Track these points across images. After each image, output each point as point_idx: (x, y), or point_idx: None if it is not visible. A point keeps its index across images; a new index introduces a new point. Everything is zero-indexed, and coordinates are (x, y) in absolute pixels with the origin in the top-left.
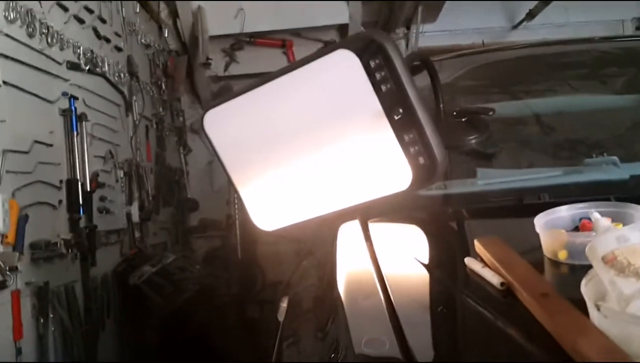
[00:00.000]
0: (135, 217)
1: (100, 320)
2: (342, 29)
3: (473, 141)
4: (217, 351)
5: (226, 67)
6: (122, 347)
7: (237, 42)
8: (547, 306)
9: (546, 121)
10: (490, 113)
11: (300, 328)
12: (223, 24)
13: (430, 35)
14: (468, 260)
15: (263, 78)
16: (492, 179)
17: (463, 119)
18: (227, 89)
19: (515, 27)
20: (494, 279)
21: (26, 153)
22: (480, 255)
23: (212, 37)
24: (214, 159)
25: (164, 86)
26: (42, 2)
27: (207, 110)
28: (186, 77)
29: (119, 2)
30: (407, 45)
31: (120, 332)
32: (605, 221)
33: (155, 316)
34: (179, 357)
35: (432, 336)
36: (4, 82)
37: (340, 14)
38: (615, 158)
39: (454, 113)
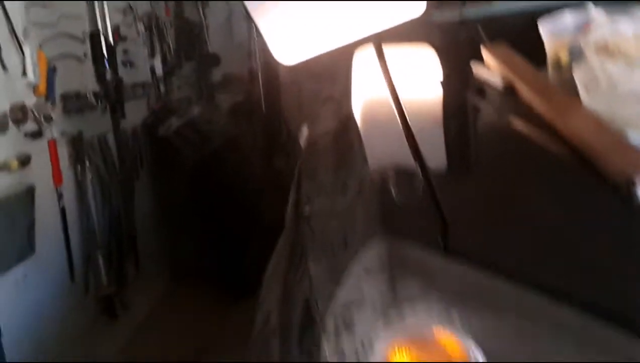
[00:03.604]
0: (159, 70)
1: (135, 170)
2: None
3: None
4: (245, 198)
5: None
6: (156, 195)
7: None
8: (544, 96)
9: None
10: None
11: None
12: None
13: None
14: (475, 67)
15: None
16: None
17: None
18: None
19: None
20: (497, 80)
21: (48, 5)
22: (488, 61)
23: None
24: (232, 12)
25: None
26: None
27: None
28: None
29: None
30: None
31: (154, 182)
32: (599, 13)
33: (185, 166)
34: (209, 204)
35: (444, 144)
36: None
37: None
38: None
39: None
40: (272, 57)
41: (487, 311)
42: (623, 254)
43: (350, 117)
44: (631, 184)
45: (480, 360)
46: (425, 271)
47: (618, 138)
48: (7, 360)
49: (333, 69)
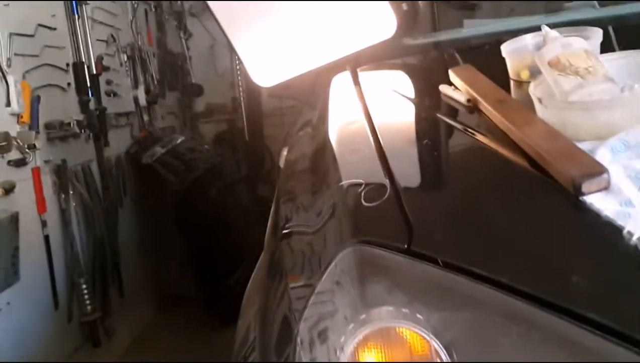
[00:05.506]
0: (142, 100)
1: (118, 197)
2: None
3: None
4: (230, 225)
5: None
6: (141, 222)
7: None
8: (502, 109)
9: None
10: None
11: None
12: None
13: None
14: (442, 87)
15: None
16: (476, 27)
17: None
18: None
19: None
20: (461, 98)
21: (31, 36)
22: (454, 82)
23: None
24: (215, 43)
25: None
26: None
27: None
28: None
29: None
30: None
31: (138, 209)
32: (553, 33)
33: (169, 193)
34: (194, 230)
35: (414, 163)
36: None
37: None
38: (594, 1)
39: None
40: (255, 86)
41: (448, 307)
42: (571, 251)
43: (326, 140)
44: (578, 187)
45: (443, 357)
46: (392, 273)
47: (568, 146)
48: None
49: (312, 96)
